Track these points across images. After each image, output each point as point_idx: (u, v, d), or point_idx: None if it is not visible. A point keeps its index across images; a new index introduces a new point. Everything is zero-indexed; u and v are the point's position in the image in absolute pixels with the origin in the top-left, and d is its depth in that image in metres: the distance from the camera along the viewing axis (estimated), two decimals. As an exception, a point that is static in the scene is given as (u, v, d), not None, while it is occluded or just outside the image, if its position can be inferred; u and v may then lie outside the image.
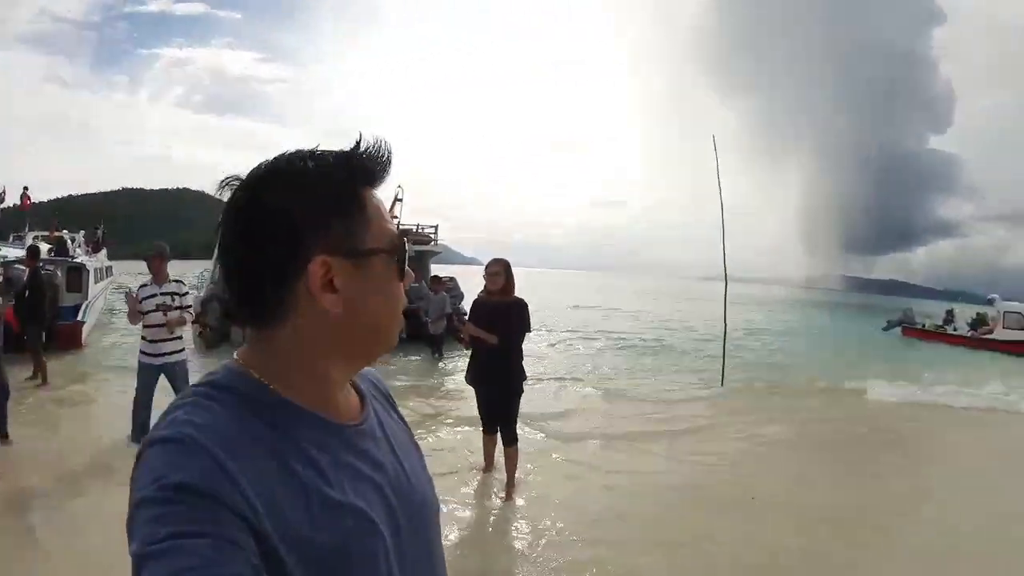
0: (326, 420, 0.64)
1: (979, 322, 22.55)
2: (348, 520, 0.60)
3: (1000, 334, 20.55)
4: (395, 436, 0.75)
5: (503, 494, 4.49)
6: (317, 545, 0.56)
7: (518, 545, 3.87)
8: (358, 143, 0.65)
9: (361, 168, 0.65)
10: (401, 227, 14.55)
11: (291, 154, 0.64)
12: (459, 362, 9.81)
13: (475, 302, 4.48)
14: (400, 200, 14.93)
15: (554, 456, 5.72)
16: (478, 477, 4.89)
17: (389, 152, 0.67)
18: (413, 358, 10.69)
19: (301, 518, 0.56)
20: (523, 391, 4.48)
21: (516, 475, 4.59)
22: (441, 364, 10.61)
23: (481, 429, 4.78)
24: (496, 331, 4.19)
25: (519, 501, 4.47)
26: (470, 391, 4.87)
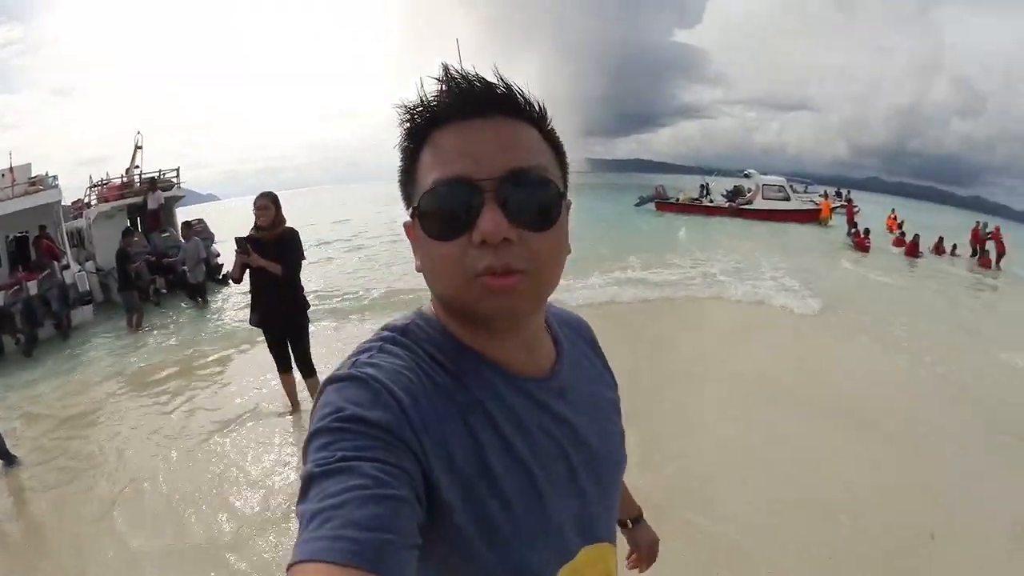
0: (509, 374, 0.63)
1: (736, 193, 24.45)
2: (516, 480, 0.60)
3: (760, 204, 22.46)
4: (590, 388, 0.73)
5: None
6: (481, 499, 0.57)
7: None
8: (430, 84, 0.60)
9: (419, 116, 0.60)
10: (144, 176, 13.91)
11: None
12: (226, 306, 9.87)
13: (247, 239, 4.05)
14: (140, 148, 14.18)
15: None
16: (288, 418, 4.54)
17: (463, 79, 0.58)
18: (180, 309, 9.99)
19: (470, 471, 0.57)
20: (309, 320, 4.48)
21: None
22: (209, 313, 9.66)
23: (277, 370, 4.46)
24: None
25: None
26: (251, 334, 5.29)
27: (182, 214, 13.87)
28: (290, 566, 0.44)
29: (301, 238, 4.14)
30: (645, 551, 1.05)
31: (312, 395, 4.14)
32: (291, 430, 4.33)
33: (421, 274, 0.63)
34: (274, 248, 3.98)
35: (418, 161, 0.60)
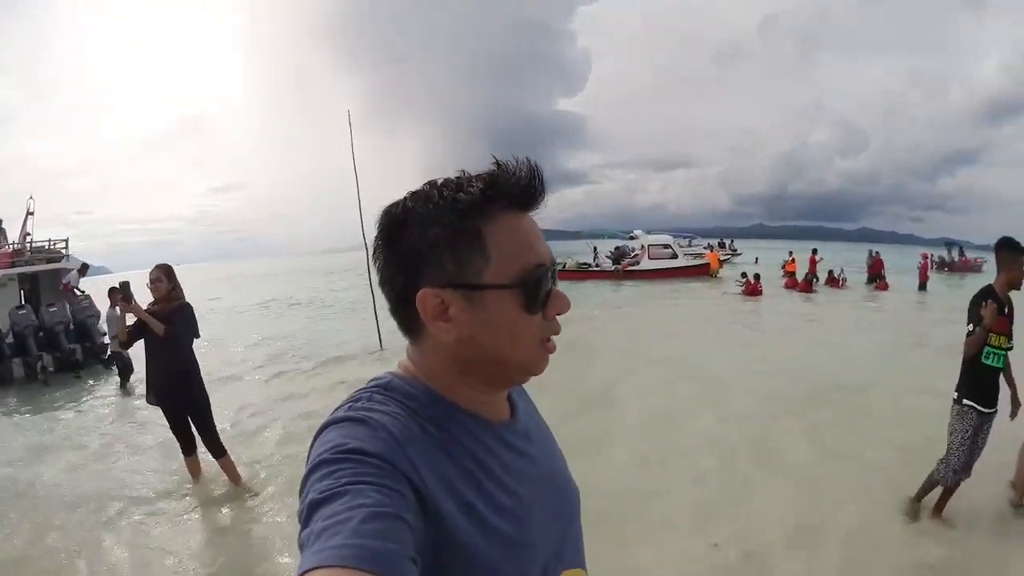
0: (482, 418, 0.70)
1: (620, 255, 24.03)
2: (501, 509, 0.65)
3: (647, 264, 22.10)
4: (541, 434, 0.81)
5: (236, 495, 4.27)
6: (471, 525, 0.61)
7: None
8: (498, 166, 0.65)
9: (491, 197, 0.64)
10: (34, 244, 13.14)
11: (427, 188, 0.66)
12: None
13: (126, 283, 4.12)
14: (32, 214, 13.41)
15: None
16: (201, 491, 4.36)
17: (533, 172, 0.66)
18: (98, 397, 8.06)
19: (458, 500, 0.61)
20: (208, 397, 4.28)
21: (241, 480, 4.41)
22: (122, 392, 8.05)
23: (181, 452, 4.34)
24: (169, 337, 3.98)
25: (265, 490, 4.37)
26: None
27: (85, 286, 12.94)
28: None
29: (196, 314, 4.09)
30: None
31: (228, 474, 4.35)
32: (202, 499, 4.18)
33: (446, 344, 0.65)
34: (168, 321, 3.93)
35: (484, 240, 0.63)
